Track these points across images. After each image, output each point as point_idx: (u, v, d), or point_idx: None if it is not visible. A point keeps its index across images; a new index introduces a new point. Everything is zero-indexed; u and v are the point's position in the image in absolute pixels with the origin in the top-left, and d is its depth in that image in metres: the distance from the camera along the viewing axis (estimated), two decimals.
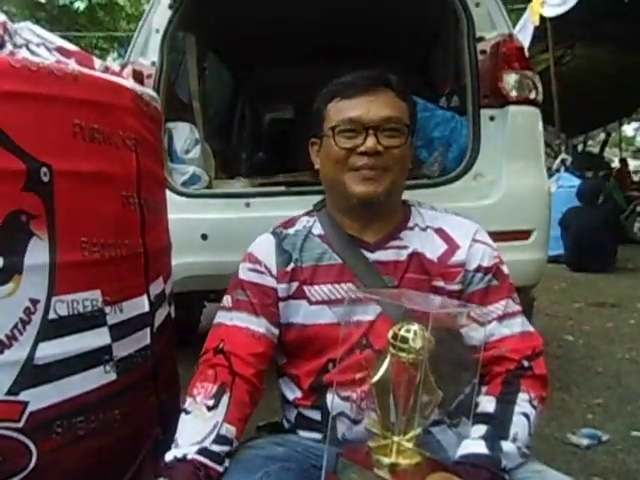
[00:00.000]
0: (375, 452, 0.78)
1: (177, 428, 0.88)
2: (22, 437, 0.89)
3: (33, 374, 0.90)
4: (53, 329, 0.92)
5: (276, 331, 0.98)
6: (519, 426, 0.85)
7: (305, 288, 0.97)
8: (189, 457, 0.82)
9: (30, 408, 0.89)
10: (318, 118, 1.02)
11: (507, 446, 0.83)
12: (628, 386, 2.25)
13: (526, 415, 0.87)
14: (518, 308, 0.97)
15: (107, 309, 0.99)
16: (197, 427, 0.86)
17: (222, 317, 0.99)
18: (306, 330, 0.96)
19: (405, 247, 0.99)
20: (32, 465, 0.91)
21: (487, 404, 0.88)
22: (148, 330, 1.11)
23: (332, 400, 0.90)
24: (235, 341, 0.94)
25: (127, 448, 1.06)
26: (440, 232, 1.00)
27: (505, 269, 1.00)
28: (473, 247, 0.98)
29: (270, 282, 0.98)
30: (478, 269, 0.97)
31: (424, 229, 1.01)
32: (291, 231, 1.03)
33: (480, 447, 0.83)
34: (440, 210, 1.06)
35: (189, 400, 0.90)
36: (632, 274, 5.00)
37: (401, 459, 0.76)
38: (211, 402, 0.88)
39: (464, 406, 0.89)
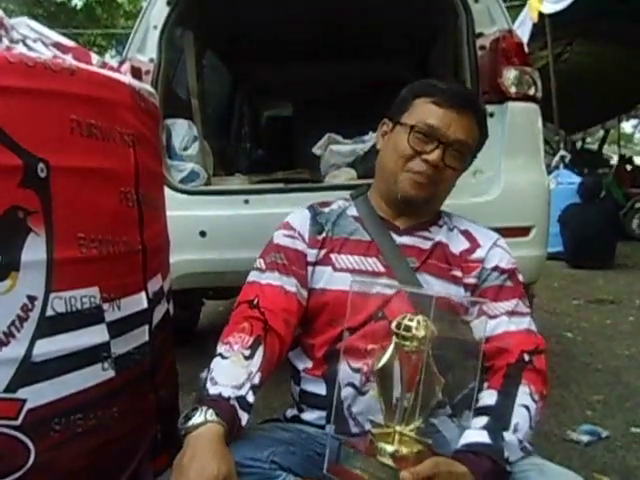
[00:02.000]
0: (377, 440, 0.78)
1: (210, 367, 0.90)
2: (20, 435, 0.89)
3: (31, 371, 0.89)
4: (51, 326, 0.91)
5: (305, 293, 1.03)
6: (519, 417, 0.86)
7: (332, 256, 1.04)
8: (232, 402, 0.84)
9: (28, 405, 0.89)
10: (402, 105, 1.06)
11: (508, 436, 0.84)
12: (627, 383, 2.25)
13: (527, 407, 0.88)
14: (527, 310, 1.01)
15: (105, 306, 0.99)
16: (235, 371, 0.89)
17: (255, 276, 1.04)
18: (325, 294, 1.02)
19: (431, 238, 1.06)
20: (30, 463, 0.90)
21: (488, 397, 0.89)
22: (146, 327, 1.10)
23: (340, 367, 0.92)
24: (269, 297, 0.99)
25: (126, 445, 1.06)
26: (465, 233, 1.08)
27: (520, 277, 1.05)
28: (493, 249, 1.05)
29: (302, 247, 1.05)
30: (495, 268, 1.03)
31: (451, 229, 1.09)
32: (326, 210, 1.11)
33: (482, 437, 0.83)
34: (469, 220, 1.13)
35: (225, 347, 0.93)
36: (631, 271, 5.00)
37: (403, 448, 0.77)
38: (247, 352, 0.91)
39: (468, 399, 0.89)
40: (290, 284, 1.01)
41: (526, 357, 0.93)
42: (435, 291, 0.93)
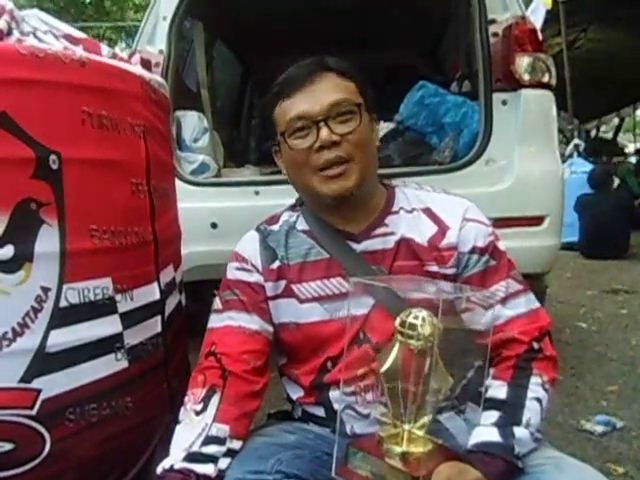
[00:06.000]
0: (386, 441, 0.77)
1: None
2: (35, 424, 0.90)
3: (45, 362, 0.90)
4: (64, 317, 0.92)
5: (270, 328, 0.96)
6: (532, 411, 0.84)
7: (293, 287, 0.95)
8: (176, 466, 0.82)
9: (43, 395, 0.90)
10: (270, 125, 0.97)
11: (520, 432, 0.82)
12: None
13: (538, 400, 0.85)
14: (520, 286, 0.93)
15: (118, 297, 0.99)
16: (186, 434, 0.86)
17: (213, 321, 0.97)
18: (300, 329, 0.95)
19: (392, 233, 0.95)
20: (46, 452, 0.91)
21: (498, 390, 0.86)
22: (159, 318, 1.11)
23: (340, 396, 0.89)
24: (226, 340, 0.93)
25: (139, 435, 1.07)
26: (428, 212, 0.96)
27: (501, 245, 0.96)
28: (465, 227, 0.94)
29: (258, 279, 0.97)
30: (473, 251, 0.93)
31: (410, 211, 0.97)
32: (275, 227, 1.01)
33: (492, 435, 0.81)
34: (427, 189, 1.01)
35: (182, 410, 0.90)
36: None
37: (412, 447, 0.76)
38: (199, 406, 0.88)
39: (470, 391, 0.88)
40: (251, 322, 0.94)
41: (535, 345, 0.88)
42: (441, 293, 0.83)
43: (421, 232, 0.95)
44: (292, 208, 1.05)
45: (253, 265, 0.97)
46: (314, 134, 0.90)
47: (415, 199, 0.98)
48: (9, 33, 1.02)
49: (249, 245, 1.00)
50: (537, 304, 0.94)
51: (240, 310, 0.95)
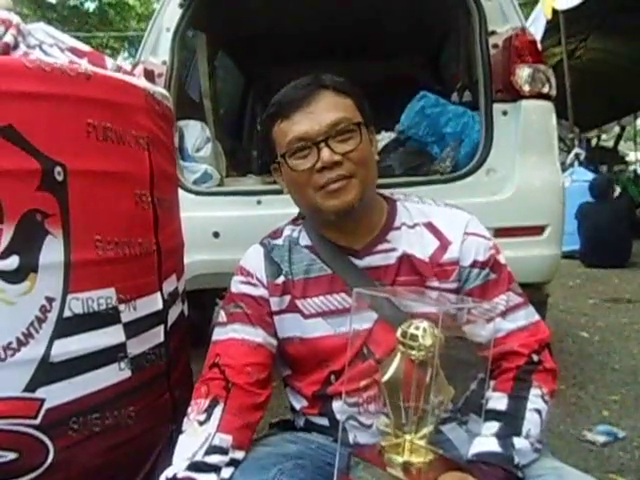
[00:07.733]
0: (387, 451, 0.77)
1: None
2: (39, 434, 0.91)
3: (49, 371, 0.91)
4: (68, 327, 0.93)
5: (274, 341, 0.97)
6: (532, 423, 0.85)
7: (298, 302, 0.96)
8: (179, 475, 0.82)
9: (46, 405, 0.91)
10: (269, 145, 0.97)
11: (520, 443, 0.82)
12: None
13: (538, 411, 0.86)
14: (520, 299, 0.94)
15: (121, 307, 1.00)
16: (189, 443, 0.86)
17: (217, 333, 0.98)
18: (304, 344, 0.96)
19: (394, 249, 0.96)
20: (49, 461, 0.92)
21: (498, 401, 0.87)
22: (162, 327, 1.11)
23: (342, 407, 0.89)
24: (230, 352, 0.94)
25: (142, 445, 1.07)
26: (430, 227, 0.97)
27: (502, 259, 0.96)
28: (466, 241, 0.95)
29: (263, 293, 0.97)
30: (474, 265, 0.94)
31: (412, 226, 0.97)
32: (279, 242, 1.02)
33: (492, 445, 0.82)
34: (428, 203, 1.02)
35: (185, 420, 0.90)
36: None
37: (414, 457, 0.76)
38: (203, 417, 0.88)
39: (472, 402, 0.88)
40: (255, 335, 0.95)
41: (535, 358, 0.89)
42: (442, 305, 0.84)
43: (423, 248, 0.95)
44: (294, 222, 1.06)
45: (258, 279, 0.98)
46: (315, 154, 0.89)
47: (417, 213, 0.99)
48: (16, 47, 1.03)
49: (254, 259, 1.01)
50: (537, 317, 0.95)
51: (244, 323, 0.96)
